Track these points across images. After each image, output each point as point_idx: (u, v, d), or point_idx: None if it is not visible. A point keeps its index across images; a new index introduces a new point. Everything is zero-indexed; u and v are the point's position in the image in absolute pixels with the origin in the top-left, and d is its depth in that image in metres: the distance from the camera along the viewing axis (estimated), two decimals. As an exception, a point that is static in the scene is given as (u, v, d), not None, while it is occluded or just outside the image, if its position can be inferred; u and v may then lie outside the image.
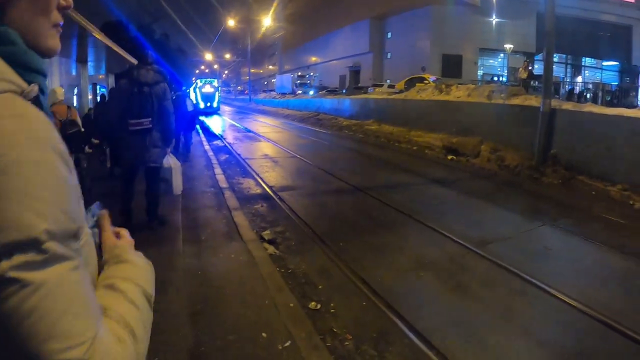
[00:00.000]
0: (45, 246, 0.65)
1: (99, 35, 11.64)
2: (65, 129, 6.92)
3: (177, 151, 13.02)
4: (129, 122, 5.57)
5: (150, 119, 5.62)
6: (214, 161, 12.38)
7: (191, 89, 44.22)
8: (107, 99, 10.47)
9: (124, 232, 1.10)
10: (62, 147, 0.74)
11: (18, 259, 0.63)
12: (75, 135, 7.09)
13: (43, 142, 0.70)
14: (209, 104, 40.43)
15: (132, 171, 5.97)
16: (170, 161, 6.09)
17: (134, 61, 16.85)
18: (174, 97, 12.00)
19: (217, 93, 41.99)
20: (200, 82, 42.32)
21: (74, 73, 18.30)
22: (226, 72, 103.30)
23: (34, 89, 0.76)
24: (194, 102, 34.95)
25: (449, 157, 13.42)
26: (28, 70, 0.78)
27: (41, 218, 0.65)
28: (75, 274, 0.70)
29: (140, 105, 5.57)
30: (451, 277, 5.08)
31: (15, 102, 0.70)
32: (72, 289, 0.69)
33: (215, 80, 47.66)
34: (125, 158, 5.99)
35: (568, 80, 44.44)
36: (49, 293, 0.65)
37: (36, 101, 0.77)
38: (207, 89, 41.11)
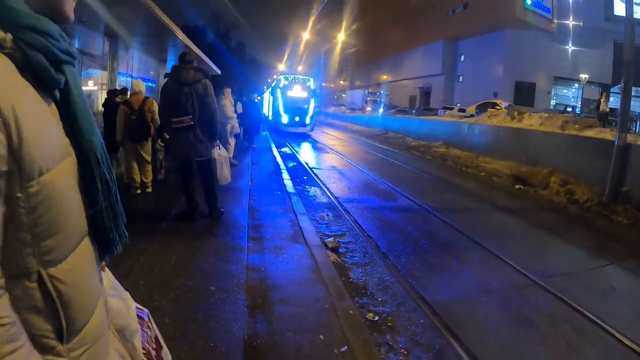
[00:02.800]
0: None
1: (180, 36, 12.11)
2: (131, 116, 7.56)
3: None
4: (172, 120, 5.97)
5: (191, 116, 5.94)
6: (282, 167, 12.64)
7: (266, 94, 37.68)
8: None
9: None
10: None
11: None
12: (136, 124, 7.59)
13: None
14: (297, 119, 27.15)
15: (183, 164, 6.35)
16: (215, 152, 6.32)
17: (211, 64, 17.43)
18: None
19: (312, 101, 28.33)
20: (285, 79, 28.79)
21: (153, 72, 19.18)
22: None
23: (7, 37, 0.88)
24: (271, 112, 30.35)
25: (517, 186, 13.00)
26: (21, 26, 0.90)
27: None
28: None
29: (181, 104, 5.92)
30: (512, 306, 4.91)
31: None
32: None
33: (311, 80, 29.90)
34: (174, 153, 6.47)
35: None
36: None
37: (24, 53, 0.90)
38: (297, 92, 27.93)
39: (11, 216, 0.84)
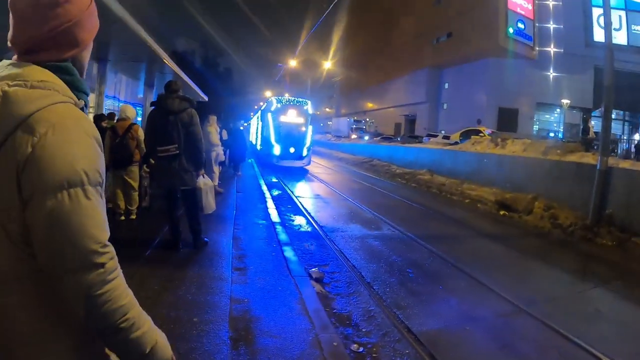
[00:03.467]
0: (87, 187, 1.15)
1: (168, 62, 12.18)
2: (114, 140, 7.63)
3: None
4: (157, 149, 5.98)
5: (176, 145, 5.95)
6: (267, 195, 12.61)
7: (254, 119, 34.46)
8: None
9: None
10: (98, 136, 1.27)
11: (77, 191, 1.13)
12: (118, 149, 7.64)
13: (86, 132, 1.21)
14: (292, 150, 22.39)
15: (169, 193, 6.37)
16: (200, 181, 6.32)
17: (198, 90, 17.47)
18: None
19: (309, 128, 23.67)
20: (278, 102, 23.97)
21: (140, 95, 19.21)
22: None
23: (82, 103, 1.28)
24: (260, 141, 25.36)
25: (501, 212, 13.11)
26: (79, 91, 1.30)
27: (88, 169, 1.16)
28: (98, 203, 1.19)
29: (166, 133, 5.93)
30: (498, 334, 4.94)
31: (72, 109, 1.22)
32: (97, 213, 1.18)
33: (309, 103, 25.01)
34: (159, 181, 6.52)
35: (625, 137, 42.83)
36: (91, 211, 1.15)
37: (82, 109, 1.28)
38: (292, 117, 23.45)
39: None
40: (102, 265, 1.14)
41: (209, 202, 6.57)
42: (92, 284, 1.12)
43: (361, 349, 4.29)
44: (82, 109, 1.28)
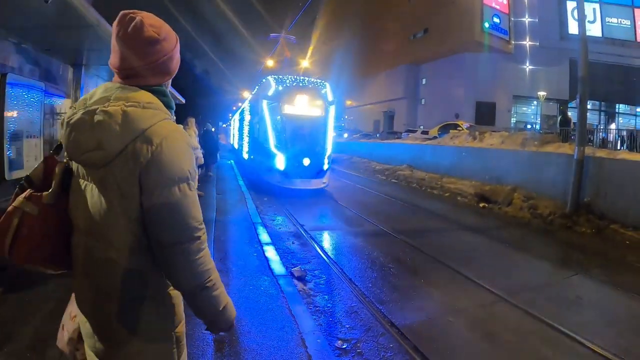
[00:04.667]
0: (190, 182, 1.54)
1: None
2: None
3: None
4: None
5: None
6: (248, 197, 12.58)
7: (236, 117, 28.93)
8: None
9: None
10: (191, 143, 1.62)
11: (184, 185, 1.51)
12: None
13: (187, 142, 1.58)
14: (306, 162, 14.01)
15: None
16: None
17: (175, 93, 17.18)
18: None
19: (329, 124, 15.03)
20: (278, 83, 14.59)
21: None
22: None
23: (173, 117, 1.64)
24: (249, 147, 17.55)
25: (481, 204, 13.24)
26: (170, 109, 1.64)
27: (190, 169, 1.55)
28: (196, 194, 1.58)
29: None
30: (481, 324, 4.98)
31: (173, 123, 1.58)
32: (196, 200, 1.56)
33: (327, 86, 15.13)
34: None
35: (602, 127, 43.40)
36: (193, 199, 1.55)
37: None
38: (303, 107, 14.50)
39: None
40: (199, 237, 1.55)
41: None
42: (193, 251, 1.52)
43: (345, 344, 4.31)
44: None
